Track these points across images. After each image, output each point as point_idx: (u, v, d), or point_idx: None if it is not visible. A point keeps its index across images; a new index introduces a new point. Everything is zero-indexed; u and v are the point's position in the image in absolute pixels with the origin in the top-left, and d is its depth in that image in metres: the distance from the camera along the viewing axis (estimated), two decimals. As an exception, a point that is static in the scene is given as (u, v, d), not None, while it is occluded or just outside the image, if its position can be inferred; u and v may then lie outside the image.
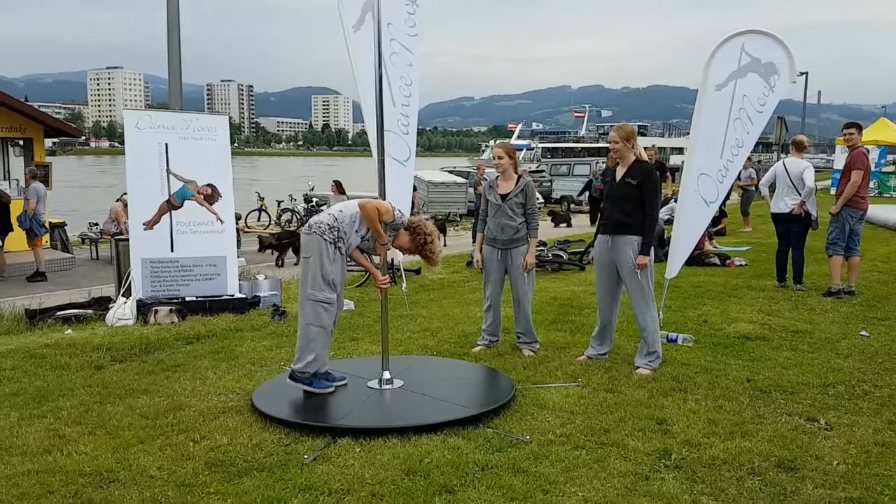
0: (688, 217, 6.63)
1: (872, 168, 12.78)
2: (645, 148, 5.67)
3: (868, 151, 10.87)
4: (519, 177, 5.87)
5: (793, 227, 8.64)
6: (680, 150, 50.36)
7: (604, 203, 5.68)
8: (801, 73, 32.49)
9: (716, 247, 12.56)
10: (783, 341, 6.29)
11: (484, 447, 3.97)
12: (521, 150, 50.75)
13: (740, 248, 12.65)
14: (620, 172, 5.45)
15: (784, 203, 8.65)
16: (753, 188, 17.05)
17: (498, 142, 7.28)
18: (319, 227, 4.63)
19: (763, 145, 44.86)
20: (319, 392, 4.70)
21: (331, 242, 4.59)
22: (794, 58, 6.35)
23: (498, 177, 5.93)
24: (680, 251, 6.70)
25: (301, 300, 4.74)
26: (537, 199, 6.58)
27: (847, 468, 3.71)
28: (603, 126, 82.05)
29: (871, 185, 17.32)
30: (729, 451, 3.89)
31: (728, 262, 10.86)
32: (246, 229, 16.84)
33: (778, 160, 8.72)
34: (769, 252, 12.10)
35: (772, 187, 9.25)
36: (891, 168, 28.50)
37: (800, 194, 8.50)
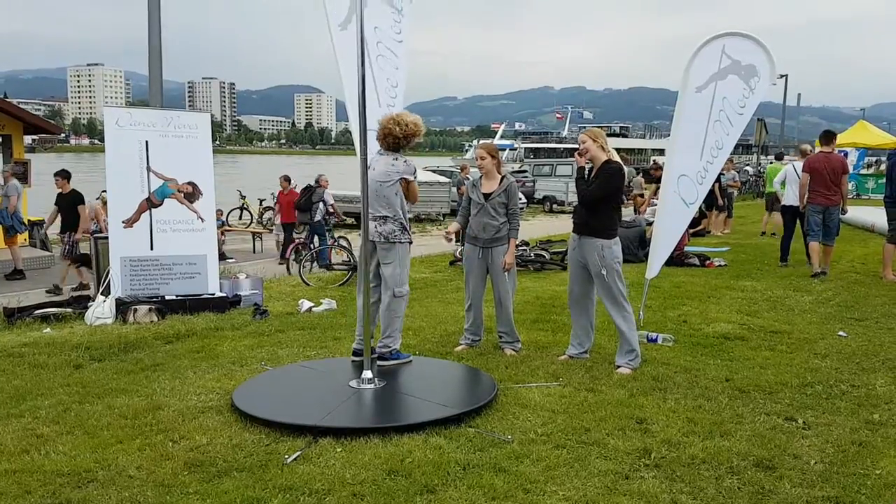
0: (668, 218, 6.67)
1: (850, 171, 14.28)
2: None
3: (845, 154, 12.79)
4: (503, 177, 5.89)
5: (793, 215, 10.72)
6: (661, 152, 50.74)
7: (577, 203, 5.70)
8: (781, 76, 32.74)
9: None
10: (762, 341, 6.35)
11: (465, 447, 3.97)
12: (505, 150, 50.85)
13: (720, 249, 12.75)
14: (593, 174, 5.51)
15: (794, 197, 10.57)
16: (735, 191, 17.23)
17: (481, 142, 7.31)
18: (394, 235, 5.22)
19: (743, 147, 45.23)
20: (405, 361, 5.42)
21: (408, 243, 5.28)
22: (774, 60, 6.42)
23: (482, 176, 5.95)
24: (660, 251, 6.74)
25: (385, 297, 5.33)
26: (520, 199, 6.60)
27: (824, 467, 3.75)
28: (585, 126, 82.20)
29: (850, 186, 17.94)
30: (708, 450, 3.92)
31: (707, 262, 10.94)
32: (227, 228, 16.76)
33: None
34: (748, 253, 12.25)
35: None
36: (869, 171, 28.83)
37: None
